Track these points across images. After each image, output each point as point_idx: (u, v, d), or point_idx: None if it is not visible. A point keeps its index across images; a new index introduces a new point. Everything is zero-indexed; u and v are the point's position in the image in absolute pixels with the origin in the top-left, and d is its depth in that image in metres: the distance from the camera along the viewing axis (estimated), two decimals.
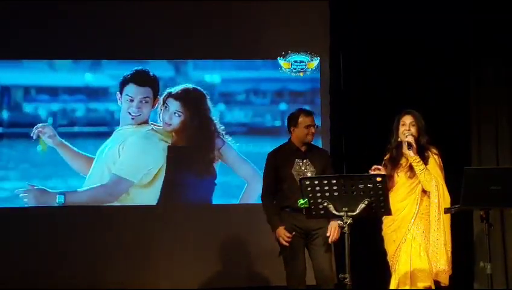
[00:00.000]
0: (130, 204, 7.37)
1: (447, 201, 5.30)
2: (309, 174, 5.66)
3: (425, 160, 5.37)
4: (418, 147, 5.38)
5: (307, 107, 6.26)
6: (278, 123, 7.56)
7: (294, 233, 5.62)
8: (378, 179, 4.65)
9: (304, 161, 5.77)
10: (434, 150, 5.44)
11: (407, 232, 5.31)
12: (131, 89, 7.35)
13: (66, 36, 7.34)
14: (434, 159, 5.39)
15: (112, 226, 7.34)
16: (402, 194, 5.32)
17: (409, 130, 5.40)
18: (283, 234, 5.60)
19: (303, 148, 5.82)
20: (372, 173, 5.22)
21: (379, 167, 5.33)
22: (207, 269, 7.36)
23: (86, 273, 7.22)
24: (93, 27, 7.38)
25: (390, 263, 5.41)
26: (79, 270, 7.21)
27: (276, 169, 5.79)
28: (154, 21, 7.44)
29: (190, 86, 7.49)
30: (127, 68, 7.42)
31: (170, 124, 7.42)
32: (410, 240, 5.31)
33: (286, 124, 5.98)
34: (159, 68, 7.49)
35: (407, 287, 5.26)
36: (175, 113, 7.43)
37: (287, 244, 5.59)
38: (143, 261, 7.29)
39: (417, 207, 5.33)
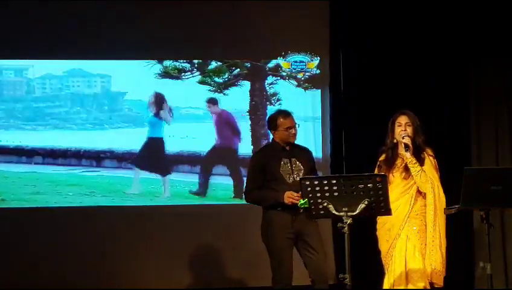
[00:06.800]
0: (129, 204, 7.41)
1: (442, 202, 5.28)
2: (301, 173, 5.64)
3: (421, 161, 5.34)
4: (414, 147, 5.35)
5: None
6: None
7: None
8: (378, 179, 4.65)
9: (292, 159, 5.71)
10: (429, 151, 5.41)
11: (399, 232, 5.30)
12: None
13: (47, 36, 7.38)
14: (430, 161, 5.36)
15: (112, 226, 7.35)
16: (395, 195, 5.26)
17: (405, 130, 5.37)
18: (290, 194, 5.49)
19: (288, 148, 5.75)
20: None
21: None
22: (205, 269, 7.37)
23: (85, 273, 7.22)
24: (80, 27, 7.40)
25: (383, 262, 5.41)
26: (79, 270, 7.21)
27: (263, 168, 5.71)
28: (149, 21, 7.49)
29: None
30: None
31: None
32: (405, 240, 5.29)
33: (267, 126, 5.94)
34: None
35: (403, 287, 5.26)
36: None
37: (297, 201, 5.39)
38: (142, 261, 7.29)
39: (410, 207, 5.31)
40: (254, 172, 5.76)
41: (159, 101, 7.54)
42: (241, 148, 7.62)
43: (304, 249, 5.68)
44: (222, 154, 7.63)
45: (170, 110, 7.54)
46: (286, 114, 5.76)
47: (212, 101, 7.59)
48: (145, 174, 7.55)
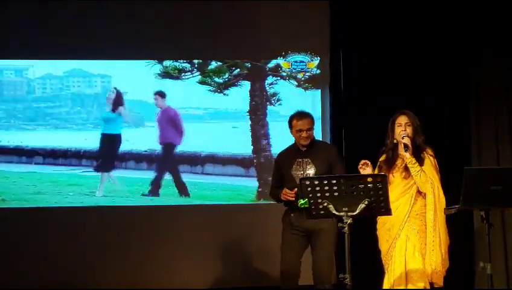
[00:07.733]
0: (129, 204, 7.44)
1: (442, 203, 5.27)
2: (310, 173, 5.69)
3: (420, 161, 5.33)
4: (414, 147, 5.34)
5: None
6: None
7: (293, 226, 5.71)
8: (378, 179, 4.64)
9: (305, 160, 5.78)
10: (429, 151, 5.40)
11: (399, 232, 5.30)
12: None
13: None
14: (429, 161, 5.35)
15: (112, 226, 7.35)
16: (396, 195, 5.26)
17: (405, 130, 5.36)
18: (285, 191, 5.67)
19: (304, 148, 5.83)
20: (361, 167, 5.24)
21: (367, 161, 5.30)
22: (205, 269, 7.37)
23: (85, 273, 7.22)
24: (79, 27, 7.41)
25: (383, 262, 5.41)
26: (78, 270, 7.21)
27: (280, 169, 5.91)
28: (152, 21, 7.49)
29: None
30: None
31: None
32: (405, 240, 5.29)
33: None
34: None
35: (403, 287, 5.25)
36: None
37: (292, 198, 5.60)
38: (143, 262, 7.30)
39: (410, 207, 5.30)
40: (275, 172, 6.01)
41: (118, 98, 7.52)
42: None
43: (312, 249, 5.80)
44: (164, 151, 7.61)
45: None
46: (300, 116, 5.83)
47: (161, 94, 7.55)
48: (142, 174, 7.58)
